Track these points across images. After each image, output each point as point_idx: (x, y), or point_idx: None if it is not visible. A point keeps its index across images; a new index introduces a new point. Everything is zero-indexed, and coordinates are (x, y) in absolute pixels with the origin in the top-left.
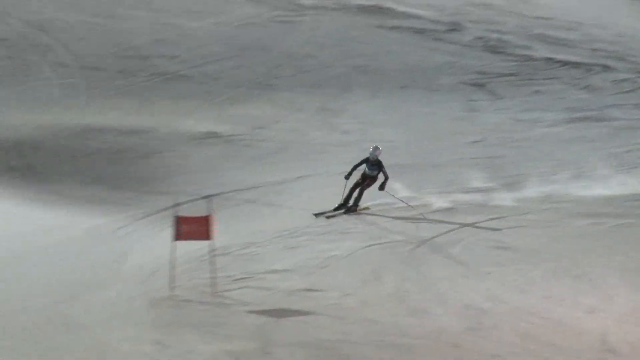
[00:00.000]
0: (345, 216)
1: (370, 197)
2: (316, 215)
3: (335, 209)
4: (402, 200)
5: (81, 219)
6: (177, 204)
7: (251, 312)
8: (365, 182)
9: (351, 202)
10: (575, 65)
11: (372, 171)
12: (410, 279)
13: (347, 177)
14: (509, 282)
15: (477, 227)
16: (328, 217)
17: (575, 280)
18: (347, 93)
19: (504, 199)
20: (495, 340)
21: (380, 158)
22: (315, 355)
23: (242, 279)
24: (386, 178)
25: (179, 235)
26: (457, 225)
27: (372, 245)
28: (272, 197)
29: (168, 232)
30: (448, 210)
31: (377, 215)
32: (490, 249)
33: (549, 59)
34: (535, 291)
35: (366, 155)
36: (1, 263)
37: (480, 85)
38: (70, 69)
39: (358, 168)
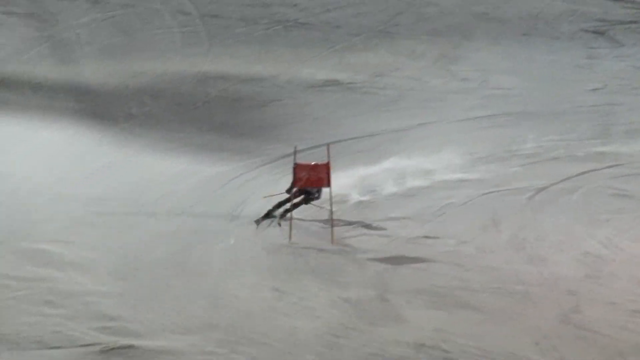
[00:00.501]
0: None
1: None
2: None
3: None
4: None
5: (201, 167)
6: (296, 152)
7: (369, 259)
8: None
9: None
10: None
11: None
12: (528, 227)
13: (290, 191)
14: (627, 230)
15: (596, 174)
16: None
17: None
18: (467, 41)
19: (623, 146)
20: (613, 287)
21: None
22: (432, 302)
23: (360, 226)
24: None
25: (297, 183)
26: (575, 173)
27: (489, 192)
28: (391, 145)
29: (287, 179)
30: (565, 158)
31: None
32: (609, 197)
33: None
34: None
35: None
36: (119, 213)
37: (600, 33)
38: (191, 17)
39: None
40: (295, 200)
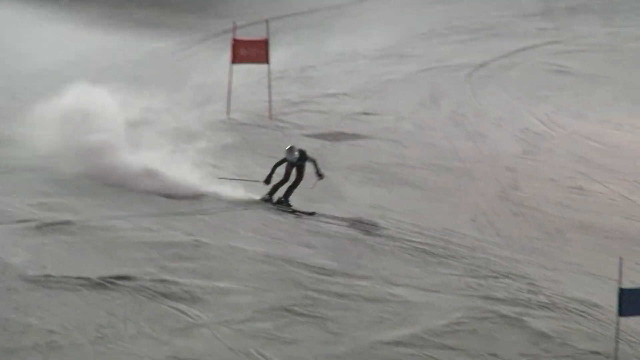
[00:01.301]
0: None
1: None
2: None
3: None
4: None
5: (141, 42)
6: (235, 28)
7: (307, 135)
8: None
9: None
10: None
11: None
12: (467, 103)
13: (267, 181)
14: (566, 107)
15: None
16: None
17: (634, 104)
18: None
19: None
20: (551, 163)
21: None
22: (370, 178)
23: (298, 102)
24: (318, 172)
25: (236, 58)
26: (515, 49)
27: (429, 69)
28: (331, 21)
29: (226, 55)
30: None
31: None
32: (549, 73)
33: None
34: (593, 115)
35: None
36: (61, 84)
37: None
38: None
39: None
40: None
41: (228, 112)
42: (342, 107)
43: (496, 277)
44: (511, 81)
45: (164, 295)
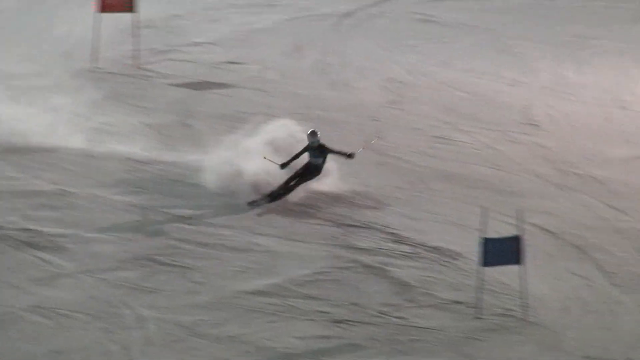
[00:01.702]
0: None
1: None
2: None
3: (267, 198)
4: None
5: None
6: None
7: (173, 84)
8: (307, 173)
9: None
10: None
11: (316, 159)
12: (332, 52)
13: (284, 166)
14: (432, 56)
15: None
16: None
17: (499, 53)
18: None
19: None
20: (416, 113)
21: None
22: (235, 127)
23: (164, 51)
24: (345, 154)
25: (101, 7)
26: None
27: (294, 18)
28: None
29: (90, 3)
30: None
31: None
32: (415, 22)
33: None
34: (458, 64)
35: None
36: None
37: None
38: None
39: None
40: (292, 183)
41: (94, 61)
42: (209, 56)
43: (359, 227)
44: (377, 30)
45: (28, 244)
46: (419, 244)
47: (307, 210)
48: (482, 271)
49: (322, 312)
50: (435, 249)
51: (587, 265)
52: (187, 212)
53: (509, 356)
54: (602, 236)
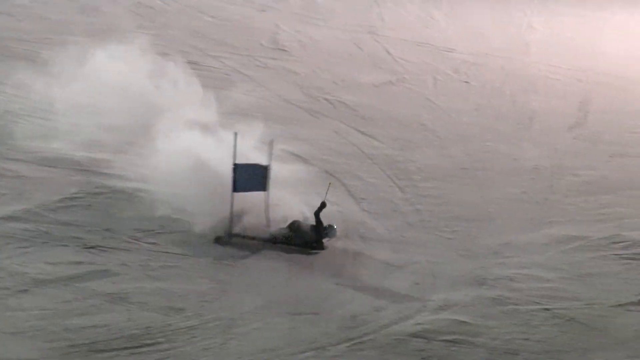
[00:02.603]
0: None
1: None
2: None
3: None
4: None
5: None
6: None
7: None
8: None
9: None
10: None
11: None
12: None
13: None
14: None
15: None
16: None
17: None
18: None
19: None
20: (166, 38)
21: None
22: None
23: None
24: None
25: None
26: None
27: None
28: None
29: None
30: None
31: None
32: None
33: None
34: None
35: None
36: None
37: None
38: None
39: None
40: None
41: None
42: None
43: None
44: None
45: None
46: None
47: (55, 135)
48: (233, 197)
49: (75, 237)
50: None
51: (337, 191)
52: None
53: (261, 280)
54: (352, 162)
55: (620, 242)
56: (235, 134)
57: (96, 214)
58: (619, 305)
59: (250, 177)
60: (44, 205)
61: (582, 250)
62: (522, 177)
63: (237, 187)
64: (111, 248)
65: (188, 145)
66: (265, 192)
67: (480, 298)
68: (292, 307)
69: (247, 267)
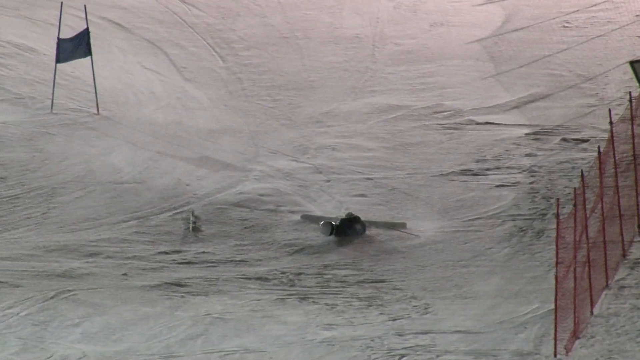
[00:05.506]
0: None
1: None
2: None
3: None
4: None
5: None
6: None
7: None
8: None
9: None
10: None
11: None
12: None
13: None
14: None
15: None
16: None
17: None
18: None
19: None
20: None
21: None
22: None
23: None
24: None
25: None
26: None
27: None
28: None
29: None
30: None
31: None
32: None
33: None
34: None
35: None
36: None
37: None
38: None
39: None
40: None
41: None
42: None
43: None
44: None
45: None
46: None
47: None
48: (56, 68)
49: None
50: (9, 43)
51: (159, 59)
52: None
53: (84, 150)
54: (173, 30)
55: (442, 112)
56: (62, 4)
57: None
58: (441, 175)
59: (73, 46)
60: None
61: (404, 119)
62: (343, 46)
63: (60, 58)
64: None
65: None
66: None
67: (303, 167)
68: (113, 176)
69: (68, 137)
